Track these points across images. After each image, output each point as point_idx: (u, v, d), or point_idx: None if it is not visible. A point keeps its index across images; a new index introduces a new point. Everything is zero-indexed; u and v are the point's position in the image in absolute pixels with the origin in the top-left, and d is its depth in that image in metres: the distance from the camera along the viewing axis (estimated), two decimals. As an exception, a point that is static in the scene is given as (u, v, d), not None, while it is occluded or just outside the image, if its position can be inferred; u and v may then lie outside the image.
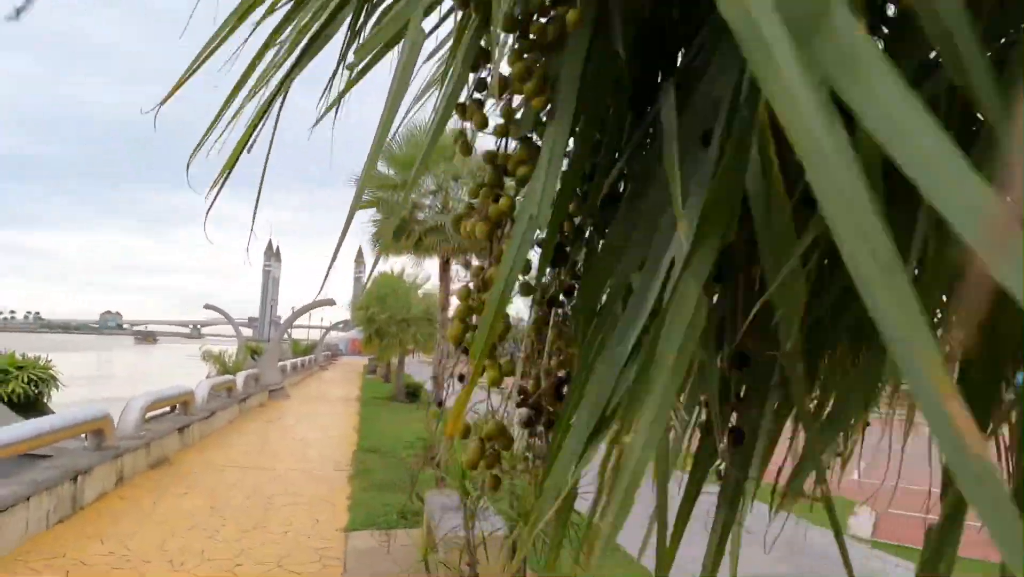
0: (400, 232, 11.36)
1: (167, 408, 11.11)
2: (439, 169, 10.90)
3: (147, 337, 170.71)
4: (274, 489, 8.11)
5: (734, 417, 0.81)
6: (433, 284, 22.17)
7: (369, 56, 0.83)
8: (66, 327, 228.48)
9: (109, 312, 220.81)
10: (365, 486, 8.56)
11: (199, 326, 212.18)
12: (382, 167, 11.37)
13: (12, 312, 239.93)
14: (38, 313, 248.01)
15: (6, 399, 9.18)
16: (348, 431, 13.77)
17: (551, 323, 0.80)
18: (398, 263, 21.43)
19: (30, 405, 9.62)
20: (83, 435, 7.56)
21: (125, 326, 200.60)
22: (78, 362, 65.89)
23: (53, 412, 9.96)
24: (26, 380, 9.38)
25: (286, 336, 29.45)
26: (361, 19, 0.87)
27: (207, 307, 30.35)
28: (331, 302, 20.71)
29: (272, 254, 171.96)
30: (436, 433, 5.92)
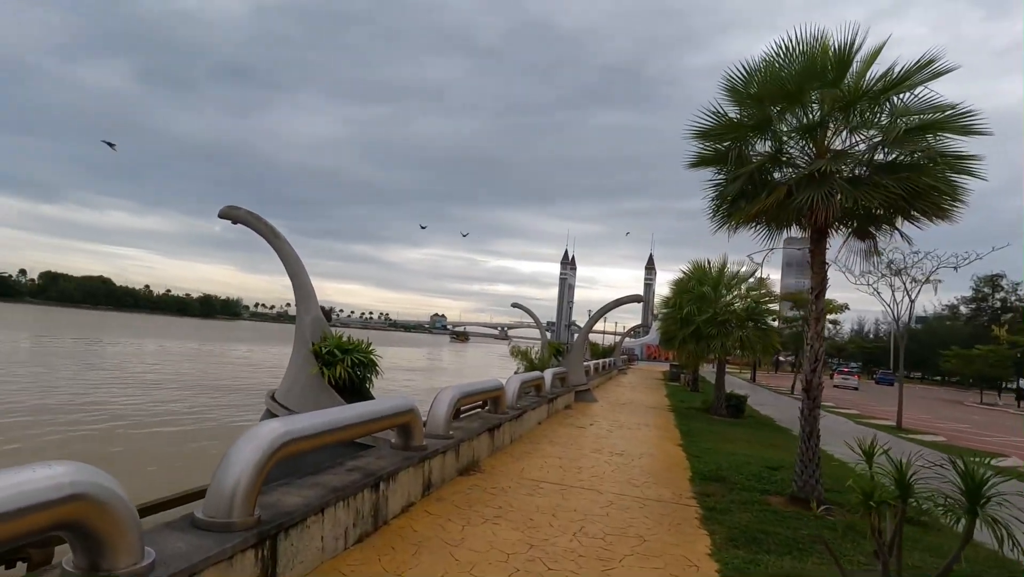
0: (750, 194, 8.37)
1: (477, 404, 10.04)
2: (814, 95, 7.68)
3: (459, 336, 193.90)
4: (605, 525, 5.93)
5: None
6: (760, 275, 18.48)
7: None
8: (407, 327, 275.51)
9: (437, 314, 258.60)
10: (727, 535, 5.87)
11: (506, 328, 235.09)
12: (730, 109, 8.56)
13: (370, 313, 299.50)
14: (387, 314, 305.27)
15: (333, 382, 8.79)
16: (671, 449, 11.23)
17: None
18: (713, 253, 18.42)
19: (354, 389, 9.20)
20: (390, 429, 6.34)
21: (448, 327, 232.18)
22: (407, 355, 77.09)
23: (373, 398, 9.49)
24: (350, 364, 8.88)
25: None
26: None
27: (514, 305, 31.14)
28: (639, 298, 18.53)
29: (568, 263, 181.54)
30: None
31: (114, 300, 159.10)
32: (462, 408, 9.33)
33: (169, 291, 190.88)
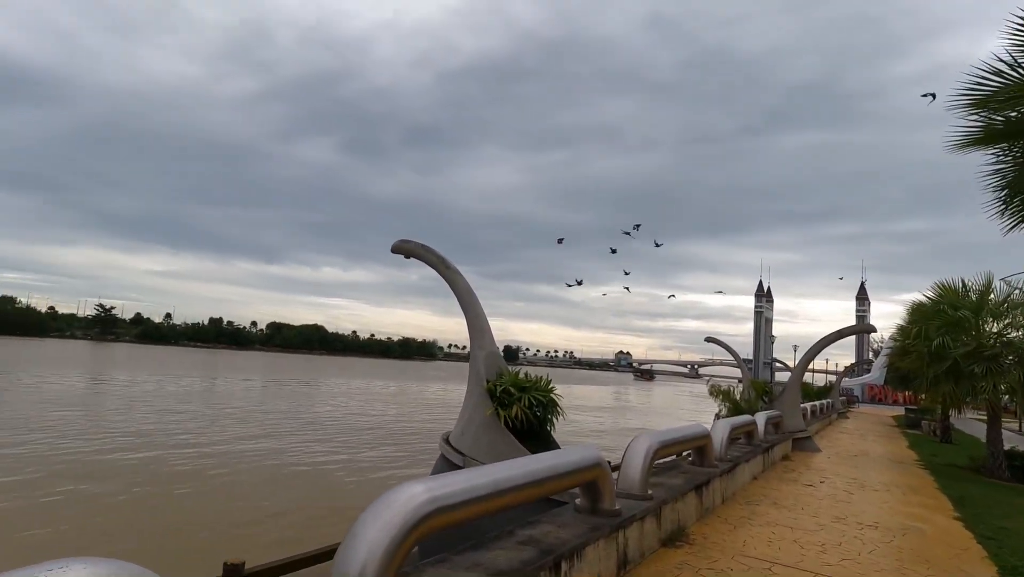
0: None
1: (673, 455, 8.35)
2: None
3: (644, 374, 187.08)
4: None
5: None
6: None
7: None
8: (591, 364, 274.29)
9: (622, 352, 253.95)
10: None
11: (696, 366, 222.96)
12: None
13: (556, 351, 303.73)
14: (572, 352, 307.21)
15: (509, 424, 7.80)
16: (946, 523, 8.45)
17: None
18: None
19: (533, 432, 8.11)
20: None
21: (634, 364, 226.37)
22: (591, 393, 75.40)
23: (556, 443, 8.31)
24: (527, 403, 7.83)
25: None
26: None
27: (708, 340, 28.37)
28: (871, 328, 15.30)
29: (763, 295, 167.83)
30: None
31: (327, 344, 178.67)
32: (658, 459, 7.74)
33: (373, 335, 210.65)
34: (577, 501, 5.27)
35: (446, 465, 8.10)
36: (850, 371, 62.94)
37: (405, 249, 9.22)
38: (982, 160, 7.48)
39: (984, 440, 24.18)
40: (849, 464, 13.89)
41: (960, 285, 13.93)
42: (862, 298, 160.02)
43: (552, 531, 4.52)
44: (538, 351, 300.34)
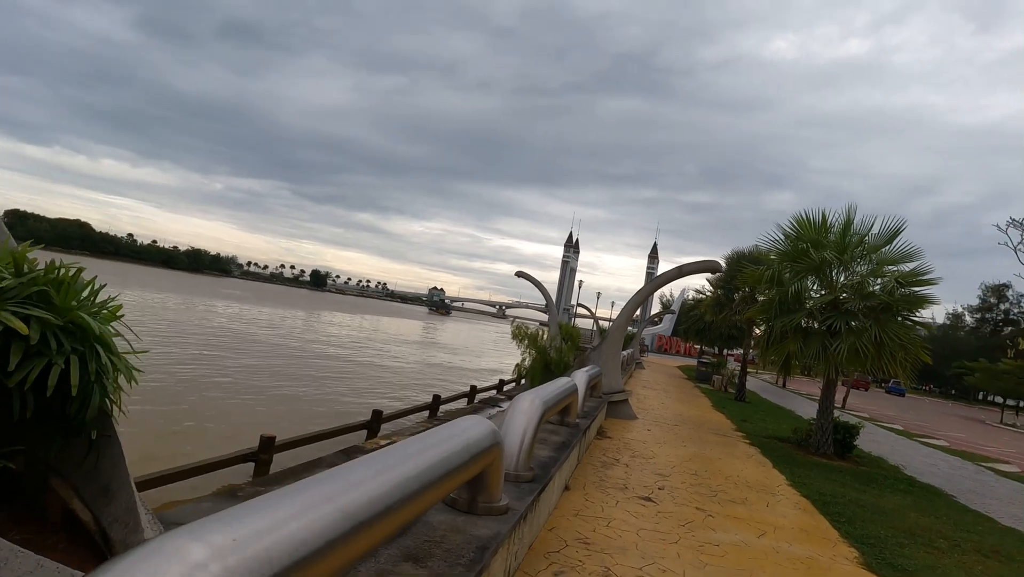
0: None
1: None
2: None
3: (439, 309, 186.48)
4: None
5: None
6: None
7: None
8: (404, 298, 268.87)
9: (435, 288, 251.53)
10: None
11: (504, 307, 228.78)
12: None
13: (368, 281, 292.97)
14: (385, 284, 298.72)
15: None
16: (811, 523, 4.99)
17: None
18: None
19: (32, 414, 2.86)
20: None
21: (447, 300, 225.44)
22: (405, 327, 71.11)
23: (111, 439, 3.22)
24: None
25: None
26: None
27: (518, 274, 24.84)
28: (717, 267, 12.14)
29: (571, 245, 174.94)
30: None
31: (91, 245, 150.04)
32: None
33: (155, 241, 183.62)
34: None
35: None
36: (651, 322, 65.57)
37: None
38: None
39: (773, 403, 24.19)
40: (672, 437, 10.74)
41: (820, 218, 11.19)
42: (653, 257, 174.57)
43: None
44: (349, 279, 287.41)
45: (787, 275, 11.26)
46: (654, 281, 12.18)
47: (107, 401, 2.88)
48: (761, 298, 17.03)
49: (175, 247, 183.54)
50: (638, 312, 15.31)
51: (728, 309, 21.89)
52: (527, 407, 4.22)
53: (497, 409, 16.37)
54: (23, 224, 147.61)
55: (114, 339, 2.94)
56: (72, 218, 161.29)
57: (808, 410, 21.18)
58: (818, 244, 11.09)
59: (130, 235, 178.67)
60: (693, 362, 44.30)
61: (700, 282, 60.34)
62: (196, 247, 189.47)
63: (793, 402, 24.99)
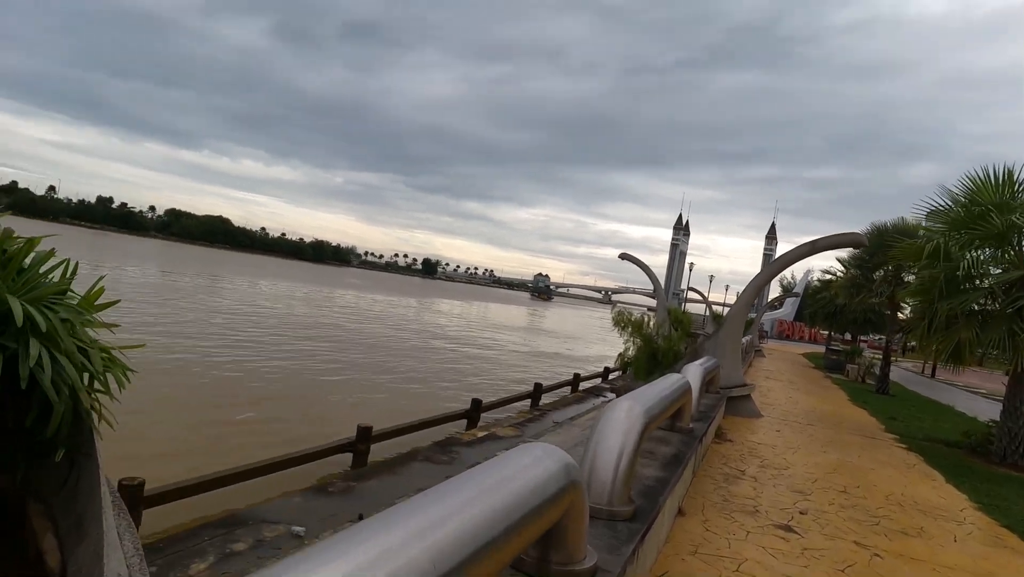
0: None
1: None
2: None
3: (541, 294, 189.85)
4: None
5: None
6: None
7: None
8: (510, 284, 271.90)
9: (540, 274, 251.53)
10: None
11: (610, 292, 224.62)
12: None
13: (476, 269, 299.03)
14: (492, 271, 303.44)
15: None
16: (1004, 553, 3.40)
17: None
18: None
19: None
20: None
21: (552, 287, 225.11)
22: (507, 314, 71.39)
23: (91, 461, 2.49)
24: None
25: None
26: None
27: (623, 256, 23.43)
28: (860, 240, 10.22)
29: (682, 228, 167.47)
30: None
31: (231, 239, 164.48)
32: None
33: (284, 234, 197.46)
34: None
35: None
36: (771, 306, 61.07)
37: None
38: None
39: (924, 397, 20.99)
40: (807, 440, 9.10)
41: (1004, 176, 8.90)
42: (771, 237, 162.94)
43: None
44: (458, 267, 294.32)
45: (955, 248, 9.15)
46: (782, 258, 10.41)
47: (90, 411, 2.07)
48: (910, 278, 14.55)
49: (301, 239, 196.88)
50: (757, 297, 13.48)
51: (866, 290, 19.15)
52: (623, 418, 3.13)
53: (601, 399, 15.24)
54: (178, 221, 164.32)
55: (104, 334, 2.11)
56: (216, 215, 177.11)
57: (971, 406, 18.16)
58: (1003, 207, 8.88)
59: (263, 229, 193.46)
60: (819, 349, 40.41)
61: (828, 262, 55.03)
62: (320, 239, 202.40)
63: (950, 395, 21.64)
